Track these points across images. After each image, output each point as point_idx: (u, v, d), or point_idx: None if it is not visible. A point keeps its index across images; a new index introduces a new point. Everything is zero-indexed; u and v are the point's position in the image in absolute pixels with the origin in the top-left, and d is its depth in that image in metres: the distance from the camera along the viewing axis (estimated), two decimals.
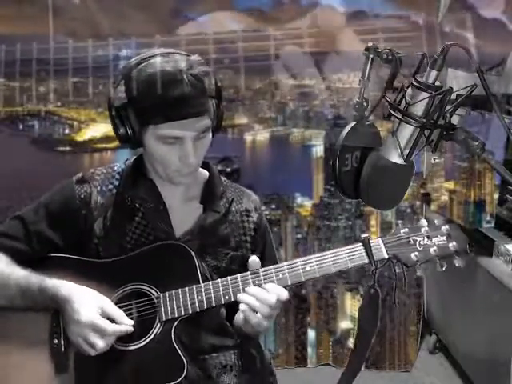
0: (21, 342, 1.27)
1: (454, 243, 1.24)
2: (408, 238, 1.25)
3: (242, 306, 1.24)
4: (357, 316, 1.30)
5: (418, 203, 3.06)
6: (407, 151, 1.02)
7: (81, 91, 3.03)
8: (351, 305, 3.07)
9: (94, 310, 1.20)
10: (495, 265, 2.37)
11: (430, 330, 3.13)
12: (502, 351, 2.21)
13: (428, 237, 1.25)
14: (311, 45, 2.99)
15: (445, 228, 1.26)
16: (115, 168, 1.41)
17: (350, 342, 3.04)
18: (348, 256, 1.25)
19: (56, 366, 1.26)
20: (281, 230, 3.06)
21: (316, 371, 3.02)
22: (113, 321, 1.22)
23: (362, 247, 1.25)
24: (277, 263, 1.33)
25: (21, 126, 3.10)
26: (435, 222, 1.27)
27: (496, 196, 3.06)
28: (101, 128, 3.13)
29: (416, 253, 1.23)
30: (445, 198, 3.33)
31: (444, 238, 1.25)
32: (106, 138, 3.14)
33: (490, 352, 2.38)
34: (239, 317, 1.31)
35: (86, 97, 3.04)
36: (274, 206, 3.05)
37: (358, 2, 3.05)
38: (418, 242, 1.24)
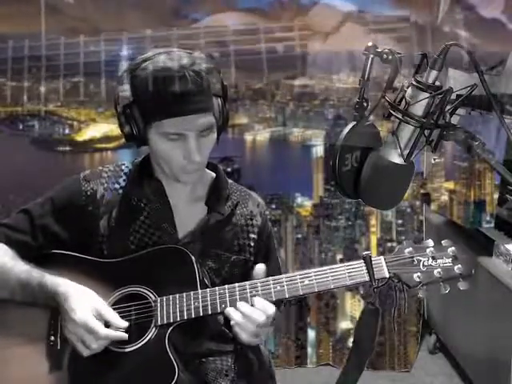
0: (20, 337, 1.28)
1: (460, 266, 1.20)
2: (412, 257, 1.21)
3: (231, 322, 1.23)
4: (353, 332, 1.26)
5: (417, 203, 3.06)
6: (407, 151, 1.02)
7: (81, 91, 3.03)
8: (351, 305, 3.07)
9: (89, 310, 1.20)
10: (495, 265, 2.37)
11: (430, 330, 3.13)
12: (502, 351, 2.21)
13: (433, 258, 1.21)
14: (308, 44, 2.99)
15: (451, 250, 1.22)
16: (123, 167, 1.42)
17: (350, 342, 3.03)
18: (348, 273, 1.22)
19: (51, 363, 1.26)
20: (281, 230, 3.05)
21: (316, 371, 3.01)
22: (108, 324, 1.21)
23: (363, 264, 1.22)
24: (279, 269, 1.32)
25: (21, 126, 3.09)
26: (442, 242, 1.23)
27: (496, 196, 3.06)
28: (101, 128, 3.12)
29: (419, 273, 1.20)
30: (445, 198, 3.33)
31: (449, 259, 1.21)
32: (106, 138, 3.13)
33: (489, 352, 2.37)
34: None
35: (86, 97, 3.04)
36: (274, 206, 3.05)
37: (358, 2, 3.05)
38: (421, 263, 1.21)
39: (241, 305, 1.22)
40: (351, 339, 3.02)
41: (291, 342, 3.02)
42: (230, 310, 1.22)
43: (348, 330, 3.07)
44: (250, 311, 1.21)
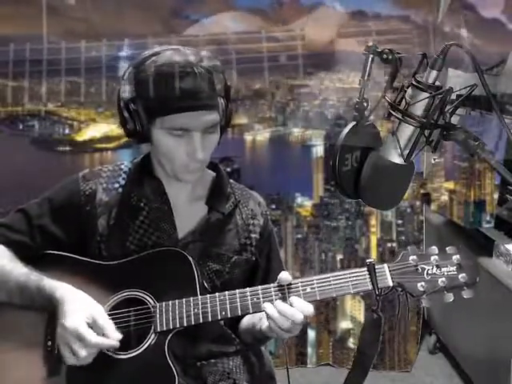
0: (17, 341, 1.26)
1: (464, 274, 1.18)
2: (416, 265, 1.19)
3: (269, 321, 1.21)
4: (357, 339, 1.26)
5: (417, 203, 3.06)
6: (407, 151, 1.02)
7: (80, 91, 3.03)
8: (351, 305, 3.07)
9: (82, 317, 1.17)
10: (495, 265, 2.37)
11: (430, 330, 3.13)
12: (502, 351, 2.21)
13: (437, 266, 1.18)
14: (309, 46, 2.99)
15: (456, 257, 1.19)
16: (122, 166, 1.40)
17: (350, 342, 3.04)
18: (351, 281, 1.20)
19: (48, 369, 1.23)
20: (281, 230, 3.05)
21: (316, 371, 3.01)
22: (102, 332, 1.18)
23: (366, 273, 1.20)
24: (282, 269, 1.31)
25: (21, 126, 3.09)
26: (447, 250, 1.21)
27: (496, 196, 3.06)
28: (101, 128, 3.12)
29: (423, 283, 1.17)
30: (445, 197, 3.33)
31: (454, 268, 1.18)
32: (106, 138, 3.13)
33: (489, 352, 2.37)
34: (264, 325, 1.26)
35: (85, 97, 3.04)
36: (274, 206, 3.05)
37: (358, 2, 3.05)
38: (426, 271, 1.18)
39: (281, 305, 1.19)
40: (351, 339, 3.03)
41: (291, 342, 3.02)
42: (270, 309, 1.19)
43: (348, 329, 3.07)
44: (291, 310, 1.20)
